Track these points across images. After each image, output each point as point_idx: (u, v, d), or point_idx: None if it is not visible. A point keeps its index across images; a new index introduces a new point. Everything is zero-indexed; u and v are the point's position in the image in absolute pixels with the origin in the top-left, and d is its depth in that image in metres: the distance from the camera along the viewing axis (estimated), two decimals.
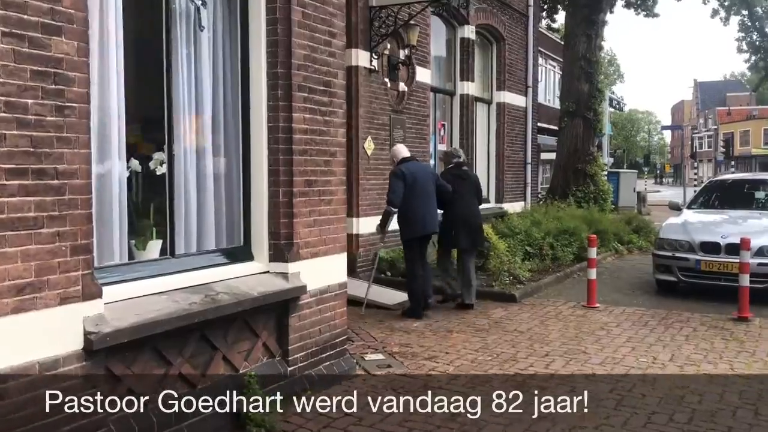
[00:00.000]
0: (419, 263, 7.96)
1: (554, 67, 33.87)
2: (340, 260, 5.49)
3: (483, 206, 13.97)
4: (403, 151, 8.27)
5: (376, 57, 10.06)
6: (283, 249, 4.92)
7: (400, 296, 8.97)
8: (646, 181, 46.22)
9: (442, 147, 12.97)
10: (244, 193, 4.95)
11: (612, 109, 39.73)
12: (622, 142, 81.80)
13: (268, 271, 4.94)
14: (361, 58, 9.86)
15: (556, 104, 22.99)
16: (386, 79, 10.50)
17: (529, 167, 16.05)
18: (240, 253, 4.92)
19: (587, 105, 17.99)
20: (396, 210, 7.69)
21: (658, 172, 79.09)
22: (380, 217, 8.15)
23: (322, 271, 5.22)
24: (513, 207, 14.90)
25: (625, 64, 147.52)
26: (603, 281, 10.39)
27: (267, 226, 4.94)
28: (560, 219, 12.73)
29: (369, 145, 10.03)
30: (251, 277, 4.83)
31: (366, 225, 9.70)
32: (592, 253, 8.90)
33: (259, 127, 4.91)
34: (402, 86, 10.91)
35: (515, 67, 15.34)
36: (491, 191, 14.85)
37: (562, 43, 21.79)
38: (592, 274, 8.77)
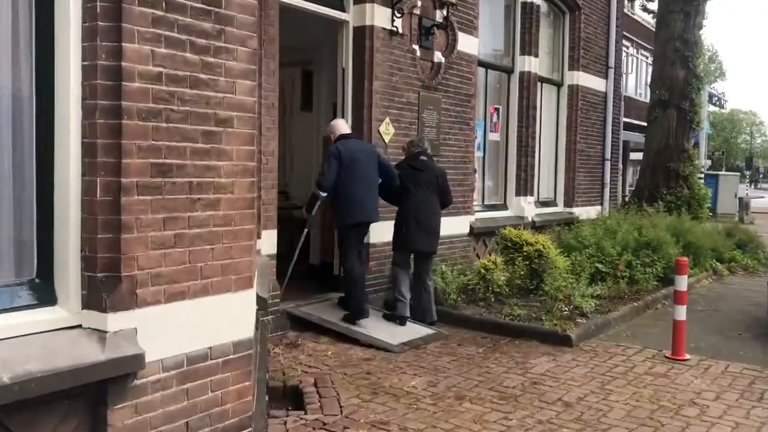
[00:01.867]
0: (360, 257, 6.92)
1: (646, 57, 30.41)
2: (239, 303, 3.28)
3: (546, 210, 11.68)
4: (341, 126, 6.91)
5: (399, 15, 7.77)
6: (100, 288, 2.73)
7: (413, 332, 6.67)
8: (747, 186, 41.76)
9: (495, 137, 10.54)
10: (39, 186, 2.79)
11: (712, 107, 35.77)
12: (722, 144, 75.77)
13: (80, 325, 2.78)
14: (378, 16, 7.60)
15: (648, 98, 19.85)
16: (415, 46, 8.19)
17: (607, 164, 13.34)
18: (33, 292, 2.76)
19: (682, 93, 14.98)
20: (324, 194, 6.57)
21: (760, 176, 72.72)
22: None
23: (193, 326, 3.03)
24: (586, 212, 12.29)
25: (728, 61, 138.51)
26: (696, 315, 7.75)
27: (78, 246, 2.76)
28: (642, 228, 10.06)
29: (386, 129, 7.75)
30: (48, 335, 2.68)
31: (380, 231, 7.43)
32: (682, 283, 6.30)
33: (66, 68, 2.74)
34: (438, 56, 8.57)
35: (593, 43, 12.67)
36: (558, 193, 12.27)
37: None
38: (681, 313, 6.19)
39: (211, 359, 3.12)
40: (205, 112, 3.04)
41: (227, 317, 3.18)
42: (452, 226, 8.87)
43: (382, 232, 7.41)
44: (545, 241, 8.55)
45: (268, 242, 6.37)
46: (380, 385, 5.19)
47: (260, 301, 3.89)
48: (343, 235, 6.81)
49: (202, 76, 3.02)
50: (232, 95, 3.15)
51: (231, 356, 3.22)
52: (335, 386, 5.06)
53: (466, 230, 9.27)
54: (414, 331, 6.70)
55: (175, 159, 2.92)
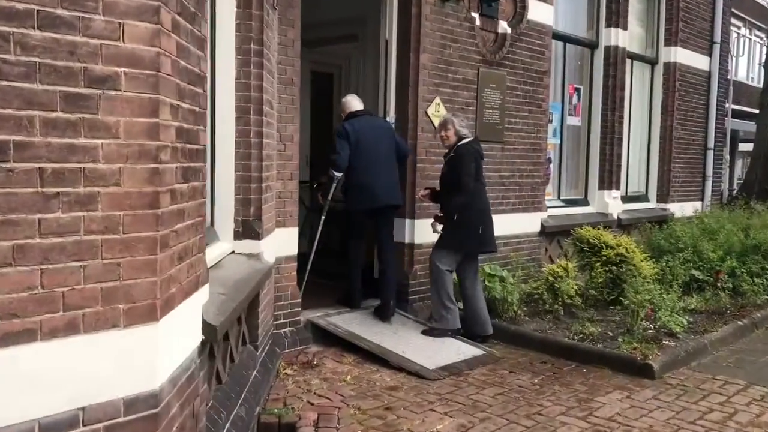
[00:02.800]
0: (362, 246, 6.33)
1: (761, 39, 27.56)
2: (135, 344, 2.28)
3: (635, 206, 10.18)
4: (351, 103, 6.24)
5: None
6: None
7: (457, 351, 5.57)
8: None
9: (575, 121, 9.18)
10: None
11: None
12: None
13: None
14: None
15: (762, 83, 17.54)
16: (474, 14, 7.02)
17: (710, 154, 11.65)
18: None
19: None
20: (339, 174, 6.01)
21: None
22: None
23: (50, 379, 2.07)
24: (683, 209, 10.71)
25: None
26: None
27: None
28: (750, 229, 8.49)
29: (436, 111, 6.63)
30: None
31: (425, 230, 6.33)
32: None
33: None
34: (503, 26, 7.36)
35: (695, 14, 11.01)
36: (651, 186, 10.75)
37: None
38: None
39: (84, 425, 2.16)
40: (68, 66, 2.07)
41: (113, 364, 2.21)
42: (519, 223, 7.68)
43: (428, 232, 6.30)
44: (629, 243, 7.19)
45: (286, 242, 5.44)
46: (397, 428, 4.12)
47: (208, 330, 2.91)
48: (351, 222, 6.27)
49: (62, 11, 2.04)
50: (118, 43, 2.16)
51: (121, 419, 2.25)
52: (339, 427, 4.04)
53: (536, 229, 8.03)
54: (458, 350, 5.58)
55: (13, 134, 1.96)
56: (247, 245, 4.50)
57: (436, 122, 6.60)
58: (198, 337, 2.85)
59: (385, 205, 6.06)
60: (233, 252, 4.48)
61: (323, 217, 6.15)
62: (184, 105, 2.56)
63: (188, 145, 2.63)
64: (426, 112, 6.55)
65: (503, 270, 6.96)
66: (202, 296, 2.93)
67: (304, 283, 5.85)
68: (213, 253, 4.11)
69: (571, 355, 5.61)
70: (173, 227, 2.45)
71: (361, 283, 6.40)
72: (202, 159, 2.86)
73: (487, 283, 6.55)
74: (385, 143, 6.05)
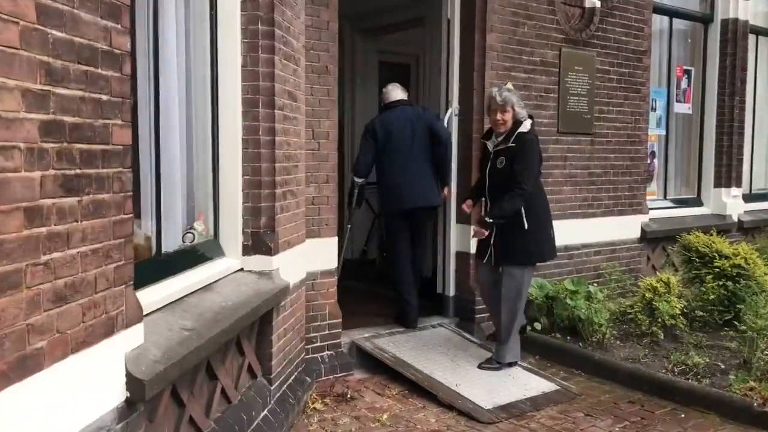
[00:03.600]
0: (406, 251, 5.59)
1: None
2: None
3: (761, 206, 8.72)
4: (389, 93, 5.62)
5: None
6: None
7: (523, 386, 4.67)
8: None
9: (683, 108, 7.91)
10: None
11: None
12: None
13: None
14: None
15: None
16: None
17: None
18: None
19: None
20: (361, 180, 5.56)
21: None
22: None
23: None
24: None
25: None
26: None
27: None
28: None
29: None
30: None
31: None
32: None
33: None
34: None
35: None
36: None
37: None
38: None
39: None
40: None
41: None
42: (613, 228, 6.62)
43: None
44: (749, 252, 5.96)
45: (322, 254, 4.73)
46: None
47: (134, 387, 2.23)
48: (387, 227, 5.86)
49: None
50: None
51: None
52: None
53: (635, 234, 6.90)
54: (526, 385, 4.67)
55: None
56: (257, 261, 3.82)
57: None
58: (115, 398, 2.18)
59: (417, 207, 5.45)
60: (241, 269, 3.81)
61: (349, 226, 5.73)
62: (61, 91, 1.88)
63: (77, 146, 1.96)
64: None
65: (591, 284, 5.95)
66: (123, 343, 2.25)
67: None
68: (207, 272, 3.47)
69: (668, 393, 4.55)
70: (36, 259, 1.77)
71: (420, 297, 5.63)
72: (117, 163, 2.18)
73: (568, 300, 5.57)
74: (419, 137, 5.40)
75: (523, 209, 4.65)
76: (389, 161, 5.44)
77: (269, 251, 3.81)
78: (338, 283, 5.36)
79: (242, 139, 3.79)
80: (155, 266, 3.04)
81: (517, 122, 4.70)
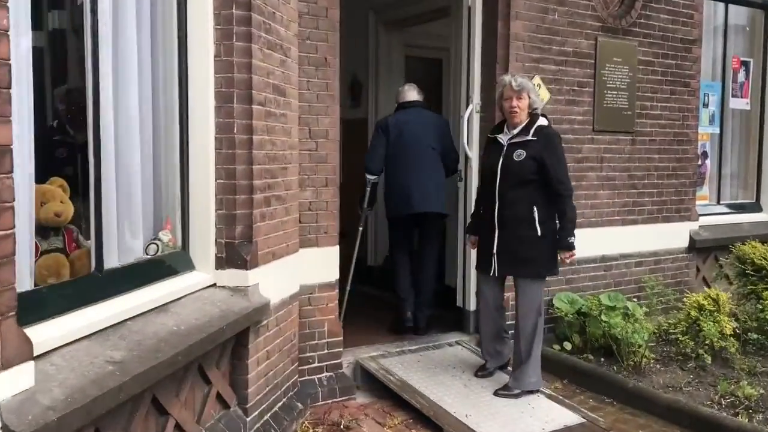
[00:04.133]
0: (404, 256, 5.42)
1: None
2: None
3: None
4: (403, 93, 5.41)
5: None
6: None
7: (543, 419, 4.12)
8: None
9: (740, 104, 7.17)
10: None
11: None
12: None
13: None
14: None
15: None
16: None
17: None
18: None
19: None
20: (373, 177, 5.26)
21: None
22: None
23: None
24: None
25: None
26: None
27: None
28: None
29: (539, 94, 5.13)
30: None
31: None
32: None
33: None
34: None
35: None
36: None
37: None
38: None
39: None
40: None
41: None
42: (657, 237, 6.00)
43: None
44: None
45: (320, 266, 4.29)
46: None
47: None
48: (390, 228, 5.57)
49: None
50: None
51: None
52: None
53: (683, 243, 6.23)
54: (546, 416, 4.09)
55: None
56: (231, 276, 3.39)
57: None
58: None
59: (424, 213, 5.19)
60: (214, 285, 3.39)
61: (360, 229, 5.29)
62: None
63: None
64: None
65: (631, 299, 5.35)
66: None
67: (342, 314, 4.70)
68: (167, 290, 3.06)
69: (712, 431, 3.93)
70: None
71: (438, 307, 5.35)
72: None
73: (603, 317, 4.98)
74: (433, 141, 5.18)
75: (536, 212, 4.12)
76: (398, 161, 5.17)
77: (245, 264, 3.37)
78: (353, 292, 5.00)
79: (215, 137, 3.36)
80: (91, 285, 2.63)
81: (534, 115, 4.18)
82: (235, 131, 3.35)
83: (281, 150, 3.76)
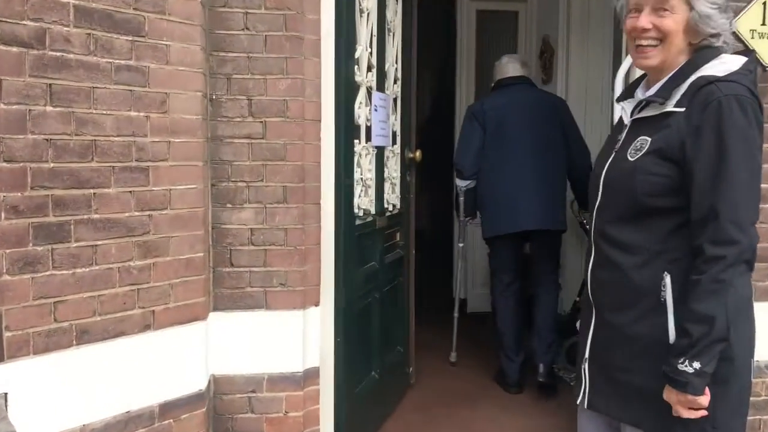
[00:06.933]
0: (509, 298, 3.86)
1: None
2: None
3: None
4: (504, 68, 3.94)
5: None
6: None
7: None
8: None
9: None
10: None
11: None
12: None
13: None
14: None
15: None
16: None
17: None
18: None
19: None
20: (464, 183, 3.88)
21: None
22: None
23: None
24: None
25: None
26: None
27: None
28: None
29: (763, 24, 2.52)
30: None
31: None
32: None
33: None
34: None
35: None
36: None
37: None
38: None
39: None
40: None
41: None
42: None
43: None
44: None
45: (273, 342, 2.46)
46: None
47: None
48: (490, 250, 4.08)
49: None
50: None
51: None
52: None
53: None
54: None
55: None
56: None
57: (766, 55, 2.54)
58: None
59: (534, 230, 3.82)
60: None
61: (460, 245, 4.32)
62: None
63: None
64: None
65: None
66: None
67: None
68: None
69: None
70: None
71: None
72: None
73: None
74: (549, 130, 3.79)
75: (668, 286, 1.65)
76: (498, 162, 3.80)
77: None
78: None
79: None
80: None
81: (705, 51, 1.68)
82: None
83: (118, 136, 1.97)
